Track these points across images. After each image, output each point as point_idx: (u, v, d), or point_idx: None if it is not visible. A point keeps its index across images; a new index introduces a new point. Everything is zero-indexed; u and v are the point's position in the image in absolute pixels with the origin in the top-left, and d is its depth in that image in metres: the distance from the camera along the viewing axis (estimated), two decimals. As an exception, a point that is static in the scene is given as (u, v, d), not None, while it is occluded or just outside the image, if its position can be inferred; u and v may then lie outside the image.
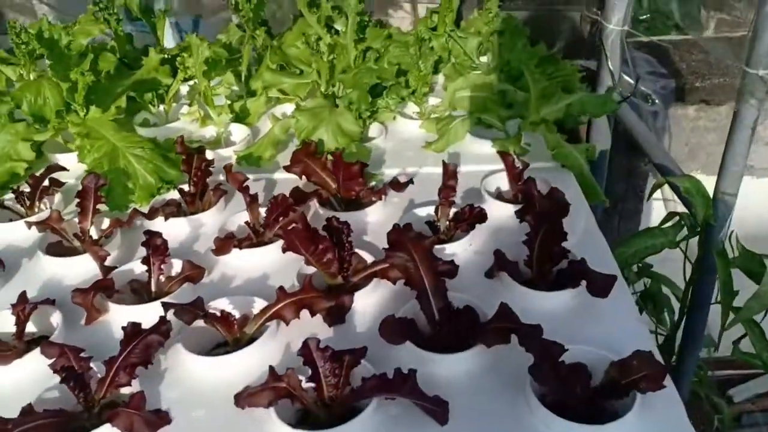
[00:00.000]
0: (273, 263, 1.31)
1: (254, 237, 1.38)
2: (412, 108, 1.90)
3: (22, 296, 1.16)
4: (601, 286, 1.14)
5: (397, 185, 1.44)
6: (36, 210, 1.51)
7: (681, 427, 0.93)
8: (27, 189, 1.50)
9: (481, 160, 1.65)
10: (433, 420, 0.94)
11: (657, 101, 2.40)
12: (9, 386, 1.06)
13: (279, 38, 2.19)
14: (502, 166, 1.54)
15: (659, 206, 2.67)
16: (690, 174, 1.71)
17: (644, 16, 2.23)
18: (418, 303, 1.10)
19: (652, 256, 1.61)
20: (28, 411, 0.94)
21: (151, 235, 1.26)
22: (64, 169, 1.54)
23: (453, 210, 1.38)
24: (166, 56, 1.96)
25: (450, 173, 1.38)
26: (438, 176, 1.40)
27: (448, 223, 1.36)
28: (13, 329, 1.14)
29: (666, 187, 1.74)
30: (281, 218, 1.34)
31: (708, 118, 2.64)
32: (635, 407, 0.91)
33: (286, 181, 1.59)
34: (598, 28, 2.32)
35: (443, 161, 1.40)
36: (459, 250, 1.31)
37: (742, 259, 1.54)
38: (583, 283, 1.15)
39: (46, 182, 1.50)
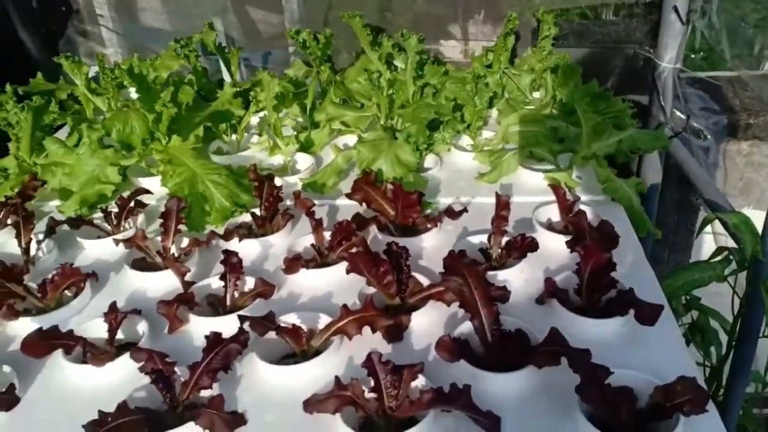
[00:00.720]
0: (336, 283, 1.41)
1: (319, 258, 1.49)
2: (466, 140, 1.99)
3: (113, 306, 1.30)
4: (648, 314, 1.20)
5: (452, 213, 1.53)
6: (122, 228, 1.66)
7: (724, 451, 0.98)
8: (114, 209, 1.65)
9: (532, 192, 1.73)
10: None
11: (708, 137, 2.43)
12: (103, 386, 1.18)
13: (341, 74, 2.34)
14: (552, 198, 1.61)
15: (710, 240, 2.67)
16: (742, 209, 1.74)
17: (697, 55, 2.28)
18: (471, 325, 1.19)
19: (700, 289, 1.64)
20: (122, 407, 1.05)
21: (229, 254, 1.39)
22: (149, 192, 1.69)
23: (505, 239, 1.46)
24: (238, 90, 2.12)
25: (503, 204, 1.46)
26: (490, 206, 1.49)
27: (500, 251, 1.44)
28: (104, 335, 1.28)
29: (716, 222, 1.78)
30: (344, 242, 1.45)
31: (762, 154, 2.64)
32: (678, 428, 0.97)
33: (347, 207, 1.70)
34: (652, 65, 2.38)
35: (496, 192, 1.48)
36: (511, 277, 1.38)
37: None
38: (631, 311, 1.21)
39: (131, 203, 1.66)
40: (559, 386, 1.08)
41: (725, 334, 1.76)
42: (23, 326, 1.33)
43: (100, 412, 1.02)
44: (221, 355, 1.12)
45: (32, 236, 1.59)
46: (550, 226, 1.56)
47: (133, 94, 2.07)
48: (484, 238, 1.49)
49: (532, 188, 1.74)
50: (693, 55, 2.33)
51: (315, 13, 2.62)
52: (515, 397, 1.09)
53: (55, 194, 1.81)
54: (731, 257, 1.69)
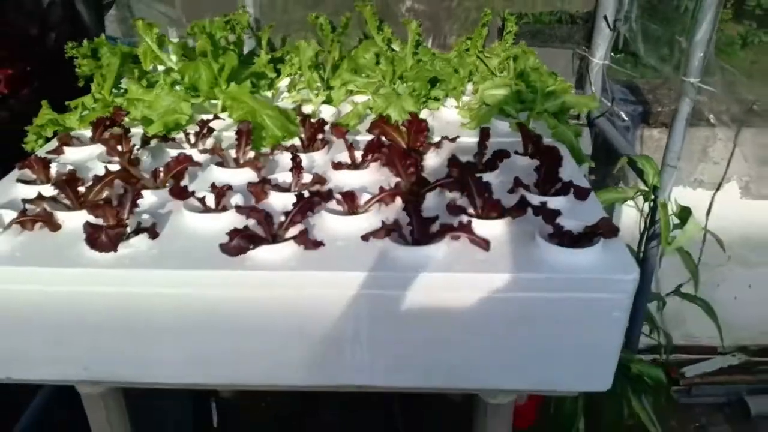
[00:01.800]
0: (366, 181, 1.98)
1: (353, 166, 2.07)
2: (450, 102, 2.62)
3: (213, 185, 1.83)
4: (582, 193, 1.83)
5: (447, 140, 2.14)
6: (199, 147, 2.19)
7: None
8: (195, 129, 2.18)
9: (500, 135, 2.36)
10: (480, 249, 1.62)
11: (626, 119, 3.16)
12: (209, 229, 1.70)
13: (348, 53, 2.94)
14: (517, 139, 2.25)
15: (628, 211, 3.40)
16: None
17: (618, 54, 3.01)
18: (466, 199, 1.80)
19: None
20: (235, 231, 1.59)
21: (295, 156, 1.94)
22: (219, 117, 2.23)
23: (487, 156, 2.08)
24: (272, 57, 2.69)
25: (486, 133, 2.09)
26: (470, 144, 2.11)
27: (482, 164, 2.06)
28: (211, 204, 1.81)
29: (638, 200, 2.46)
30: (375, 154, 2.03)
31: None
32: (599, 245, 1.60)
33: (365, 140, 2.29)
34: (586, 62, 3.10)
35: (481, 126, 2.11)
36: (491, 178, 1.99)
37: (677, 211, 2.25)
38: (572, 192, 1.84)
39: (209, 125, 2.19)
40: (525, 229, 1.69)
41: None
42: (149, 200, 1.83)
43: (235, 227, 1.56)
44: (308, 204, 1.68)
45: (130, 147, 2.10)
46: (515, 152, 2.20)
47: (159, 67, 2.60)
48: (470, 158, 2.10)
49: (501, 133, 2.38)
50: (614, 54, 3.06)
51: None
52: (498, 235, 1.70)
53: (137, 123, 2.31)
54: (638, 190, 2.38)
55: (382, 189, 1.81)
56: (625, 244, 1.64)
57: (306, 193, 1.73)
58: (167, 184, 1.91)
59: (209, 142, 2.22)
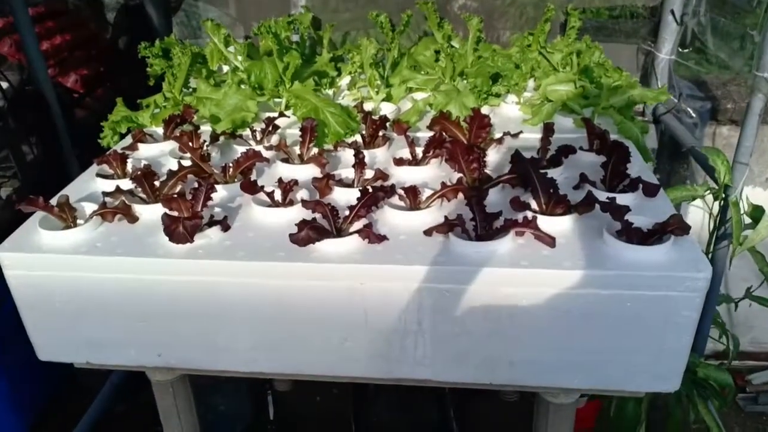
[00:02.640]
0: (427, 177, 2.00)
1: (414, 162, 2.09)
2: (511, 99, 2.60)
3: (280, 180, 1.88)
4: (651, 190, 1.79)
5: (513, 135, 2.13)
6: (264, 143, 2.25)
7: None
8: (262, 126, 2.24)
9: (565, 132, 2.33)
10: (546, 246, 1.60)
11: (694, 115, 3.06)
12: (277, 222, 1.75)
13: (408, 50, 2.95)
14: (581, 134, 2.22)
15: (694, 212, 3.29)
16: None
17: (685, 50, 2.91)
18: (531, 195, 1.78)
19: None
20: (304, 222, 1.63)
21: (358, 152, 1.98)
22: (285, 115, 2.29)
23: (551, 152, 2.06)
24: (333, 55, 2.73)
25: (549, 128, 2.06)
26: (532, 140, 2.09)
27: (546, 159, 2.04)
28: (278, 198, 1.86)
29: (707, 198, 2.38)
30: (436, 149, 2.04)
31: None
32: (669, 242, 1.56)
33: (426, 137, 2.30)
34: (652, 57, 3.01)
35: (544, 122, 2.09)
36: (555, 174, 1.97)
37: (749, 210, 2.17)
38: (640, 188, 1.80)
39: (275, 122, 2.25)
40: (593, 225, 1.67)
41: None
42: (220, 194, 1.90)
43: (303, 219, 1.60)
44: (371, 200, 1.71)
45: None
46: (580, 148, 2.17)
47: (224, 68, 2.68)
48: (534, 152, 2.08)
49: (565, 129, 2.35)
50: (681, 49, 2.96)
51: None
52: (564, 231, 1.68)
53: (205, 121, 2.39)
54: (708, 187, 2.30)
55: (443, 185, 1.82)
56: (696, 242, 1.60)
57: (369, 189, 1.76)
58: (236, 179, 1.97)
59: (275, 139, 2.28)
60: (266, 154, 2.14)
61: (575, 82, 2.40)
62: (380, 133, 2.24)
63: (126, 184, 1.93)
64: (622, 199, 1.70)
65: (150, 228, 1.71)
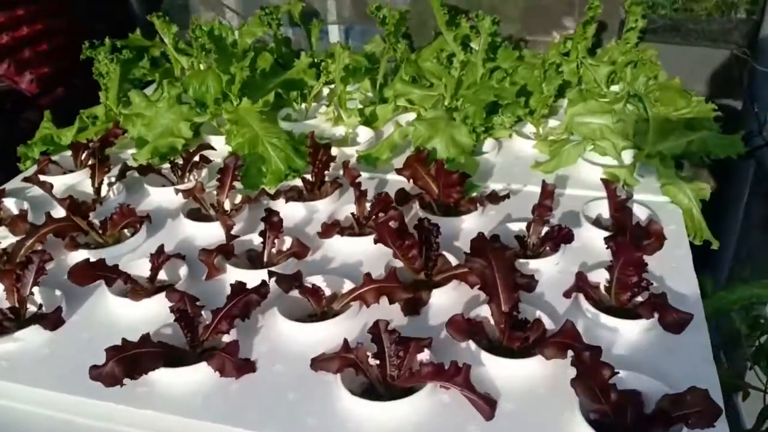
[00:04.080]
0: (368, 253, 1.44)
1: (357, 227, 1.53)
2: (530, 128, 1.95)
3: (160, 249, 1.39)
4: (674, 321, 1.14)
5: (494, 198, 1.51)
6: (186, 180, 1.77)
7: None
8: (181, 162, 1.76)
9: (589, 186, 1.66)
10: (479, 414, 1.02)
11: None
12: (136, 319, 1.28)
13: (418, 52, 2.34)
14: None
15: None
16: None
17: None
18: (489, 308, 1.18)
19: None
20: (145, 339, 1.14)
21: (270, 213, 1.45)
22: (212, 148, 1.79)
23: (545, 229, 1.42)
24: (314, 60, 2.18)
25: (547, 193, 1.42)
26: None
27: (537, 240, 1.41)
28: (147, 274, 1.38)
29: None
30: (381, 213, 1.47)
31: None
32: (680, 441, 0.92)
33: (397, 182, 1.72)
34: (749, 69, 2.20)
35: (543, 180, 1.44)
36: (543, 267, 1.35)
37: None
38: (656, 316, 1.15)
39: (196, 158, 1.76)
40: (567, 381, 1.05)
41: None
42: (82, 257, 1.45)
43: (124, 340, 1.11)
44: (242, 303, 1.19)
45: (105, 178, 1.73)
46: (597, 222, 1.51)
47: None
48: (524, 225, 1.46)
49: (589, 182, 1.68)
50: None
51: None
52: (518, 384, 1.08)
53: (134, 143, 1.95)
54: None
55: (367, 278, 1.26)
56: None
57: (248, 286, 1.22)
58: (112, 241, 1.51)
59: (202, 175, 1.80)
60: (173, 202, 1.66)
61: (613, 112, 1.71)
62: (325, 177, 1.69)
63: (-8, 234, 1.54)
64: (624, 328, 1.08)
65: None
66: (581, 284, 1.25)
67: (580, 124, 1.77)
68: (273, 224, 1.45)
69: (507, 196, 1.51)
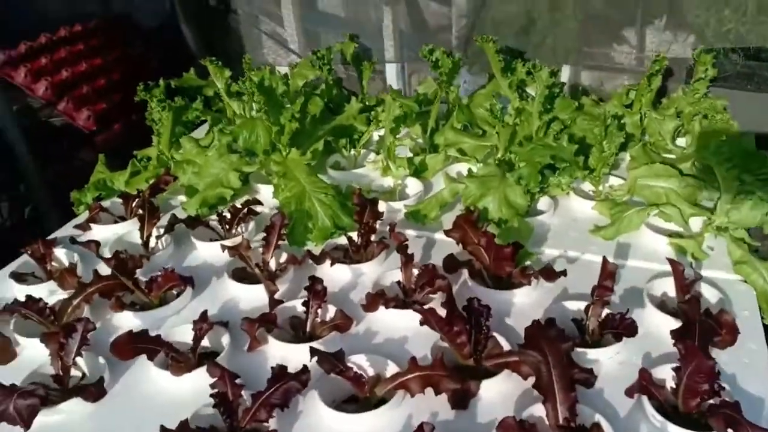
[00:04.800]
0: (414, 328, 1.36)
1: (403, 296, 1.47)
2: (588, 185, 1.85)
3: (203, 316, 1.37)
4: (750, 441, 1.03)
5: (549, 274, 1.42)
6: (233, 233, 1.75)
7: None
8: (228, 215, 1.75)
9: (652, 257, 1.56)
10: None
11: None
12: (177, 395, 1.25)
13: (471, 97, 2.27)
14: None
15: None
16: None
17: None
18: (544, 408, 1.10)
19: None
20: (184, 425, 1.11)
21: (314, 281, 1.41)
22: (260, 203, 1.76)
23: (606, 311, 1.33)
24: (365, 105, 2.14)
25: (608, 273, 1.33)
26: (599, 266, 1.36)
27: (596, 325, 1.32)
28: (190, 341, 1.35)
29: None
30: (427, 287, 1.41)
31: None
32: None
33: (446, 243, 1.65)
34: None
35: (603, 257, 1.35)
36: (603, 357, 1.26)
37: None
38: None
39: (243, 211, 1.74)
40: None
41: None
42: (127, 319, 1.46)
43: (162, 428, 1.08)
44: (281, 391, 1.14)
45: (154, 230, 1.73)
46: (662, 304, 1.40)
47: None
48: (582, 305, 1.36)
49: (653, 253, 1.57)
50: None
51: (484, 8, 2.56)
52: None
53: (184, 190, 1.95)
54: None
55: (413, 364, 1.20)
56: None
57: (314, 346, 1.18)
58: (156, 303, 1.50)
59: (249, 228, 1.77)
60: (220, 258, 1.64)
61: (679, 176, 1.60)
62: (375, 237, 1.64)
63: (43, 289, 1.56)
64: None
65: (22, 371, 1.30)
66: (645, 384, 1.16)
67: (643, 187, 1.67)
68: (317, 293, 1.40)
69: (563, 273, 1.41)
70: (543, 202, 1.79)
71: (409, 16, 2.78)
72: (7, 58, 2.50)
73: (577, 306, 1.38)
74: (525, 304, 1.43)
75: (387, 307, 1.40)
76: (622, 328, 1.25)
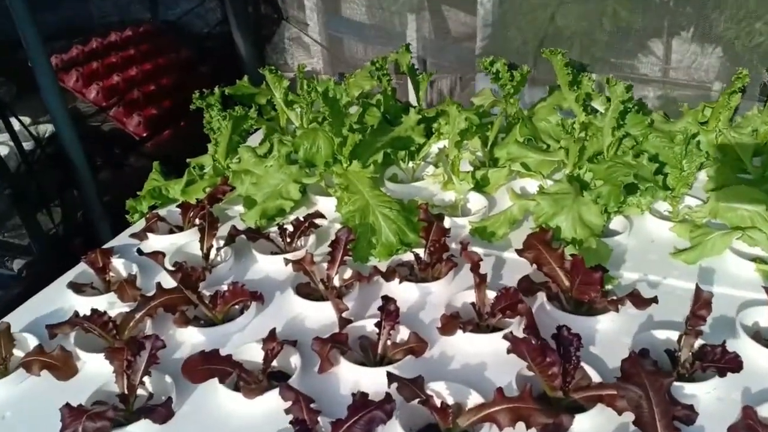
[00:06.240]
0: (494, 353, 1.31)
1: (478, 319, 1.40)
2: (663, 204, 1.77)
3: (272, 335, 1.31)
4: None
5: (638, 301, 1.34)
6: (294, 246, 1.70)
7: None
8: (290, 228, 1.70)
9: (739, 284, 1.47)
10: None
11: None
12: (252, 416, 1.20)
13: (531, 109, 2.20)
14: (765, 295, 1.36)
15: None
16: None
17: None
18: (644, 447, 1.02)
19: None
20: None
21: (387, 301, 1.35)
22: (323, 216, 1.71)
23: (699, 341, 1.25)
24: (422, 117, 2.09)
25: (703, 301, 1.25)
26: (683, 291, 1.30)
27: (690, 357, 1.24)
28: (259, 359, 1.30)
29: None
30: (507, 311, 1.34)
31: None
32: None
33: (515, 262, 1.59)
34: None
35: (697, 285, 1.27)
36: (700, 392, 1.18)
37: None
38: None
39: (305, 225, 1.69)
40: None
41: None
42: (191, 336, 1.41)
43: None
44: (365, 420, 1.08)
45: (214, 242, 1.69)
46: (756, 335, 1.32)
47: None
48: (672, 334, 1.29)
49: (739, 280, 1.49)
50: None
51: (510, 16, 2.52)
52: None
53: (241, 199, 1.91)
54: None
55: (499, 395, 1.13)
56: None
57: (391, 371, 1.12)
58: (222, 319, 1.46)
59: (310, 242, 1.72)
60: (282, 272, 1.59)
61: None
62: (443, 255, 1.57)
63: (102, 301, 1.52)
64: None
65: (85, 388, 1.25)
66: (750, 423, 1.08)
67: (726, 209, 1.58)
68: (389, 313, 1.34)
69: (654, 300, 1.34)
70: (617, 222, 1.71)
71: (432, 24, 2.75)
72: (60, 62, 2.49)
73: (665, 335, 1.30)
74: (610, 331, 1.36)
75: (465, 331, 1.33)
76: (724, 362, 1.17)
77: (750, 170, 1.80)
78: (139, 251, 1.51)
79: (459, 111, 1.82)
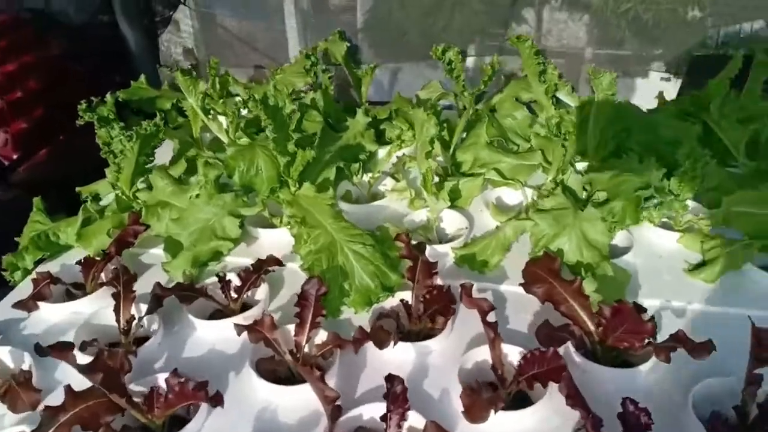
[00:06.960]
0: (529, 429, 1.05)
1: (501, 387, 1.13)
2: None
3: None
4: None
5: (693, 347, 1.10)
6: (241, 301, 1.33)
7: None
8: (236, 280, 1.33)
9: (763, 304, 1.31)
10: None
11: None
12: None
13: (486, 103, 1.95)
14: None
15: None
16: None
17: None
18: None
19: None
20: None
21: (393, 381, 1.04)
22: (280, 263, 1.34)
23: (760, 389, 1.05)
24: (373, 119, 1.76)
25: (764, 343, 1.05)
26: (716, 317, 1.08)
27: (756, 410, 1.04)
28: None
29: None
30: (543, 377, 1.07)
31: None
32: None
33: (516, 296, 1.33)
34: None
35: (753, 326, 1.07)
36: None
37: None
38: None
39: (255, 277, 1.33)
40: None
41: None
42: (126, 458, 1.03)
43: None
44: None
45: (133, 308, 1.28)
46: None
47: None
48: (728, 381, 1.08)
49: (763, 298, 1.32)
50: None
51: None
52: None
53: (159, 239, 1.50)
54: None
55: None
56: None
57: None
58: (160, 426, 1.08)
59: (262, 294, 1.36)
60: (233, 342, 1.23)
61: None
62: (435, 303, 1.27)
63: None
64: None
65: None
66: None
67: (740, 214, 1.41)
68: (396, 396, 1.03)
69: (712, 346, 1.10)
70: (620, 237, 1.49)
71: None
72: None
73: (720, 384, 1.10)
74: (654, 382, 1.13)
75: (496, 411, 1.05)
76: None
77: (740, 164, 1.65)
78: (39, 349, 1.07)
79: (428, 115, 1.51)
